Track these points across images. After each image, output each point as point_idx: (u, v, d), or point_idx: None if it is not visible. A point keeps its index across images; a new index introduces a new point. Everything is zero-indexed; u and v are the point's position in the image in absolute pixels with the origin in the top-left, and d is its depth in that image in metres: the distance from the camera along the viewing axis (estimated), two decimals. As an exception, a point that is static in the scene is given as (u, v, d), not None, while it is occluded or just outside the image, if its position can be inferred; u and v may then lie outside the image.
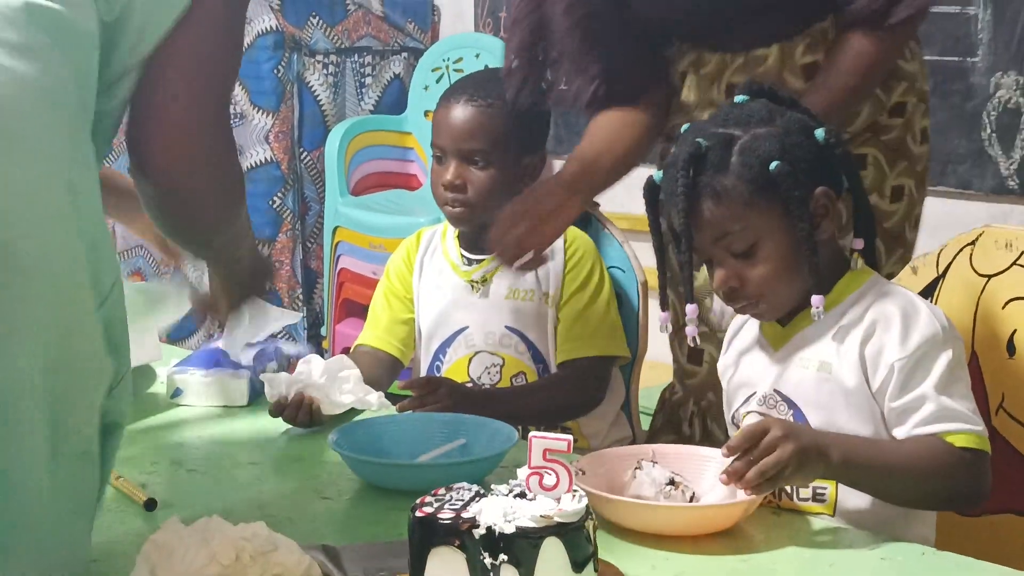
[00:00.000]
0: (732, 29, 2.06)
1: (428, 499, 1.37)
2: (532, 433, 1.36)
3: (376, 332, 2.40)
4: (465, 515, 1.32)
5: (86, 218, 1.39)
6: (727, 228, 1.71)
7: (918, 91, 2.14)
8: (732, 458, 1.58)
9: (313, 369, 2.02)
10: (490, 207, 2.26)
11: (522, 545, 1.29)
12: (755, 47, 2.04)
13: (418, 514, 1.34)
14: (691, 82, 2.17)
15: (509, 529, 1.29)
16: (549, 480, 1.34)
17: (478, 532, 1.30)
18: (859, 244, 1.80)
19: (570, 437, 1.36)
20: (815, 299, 1.70)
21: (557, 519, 1.31)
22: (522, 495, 1.34)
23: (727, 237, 1.71)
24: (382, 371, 2.32)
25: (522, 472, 1.35)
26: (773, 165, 1.68)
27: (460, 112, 2.29)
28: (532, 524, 1.30)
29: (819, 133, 1.73)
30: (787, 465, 1.55)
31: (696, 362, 2.14)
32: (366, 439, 1.85)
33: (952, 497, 1.67)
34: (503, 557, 1.29)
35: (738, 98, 1.79)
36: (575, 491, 1.35)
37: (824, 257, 1.73)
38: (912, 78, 2.13)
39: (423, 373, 2.38)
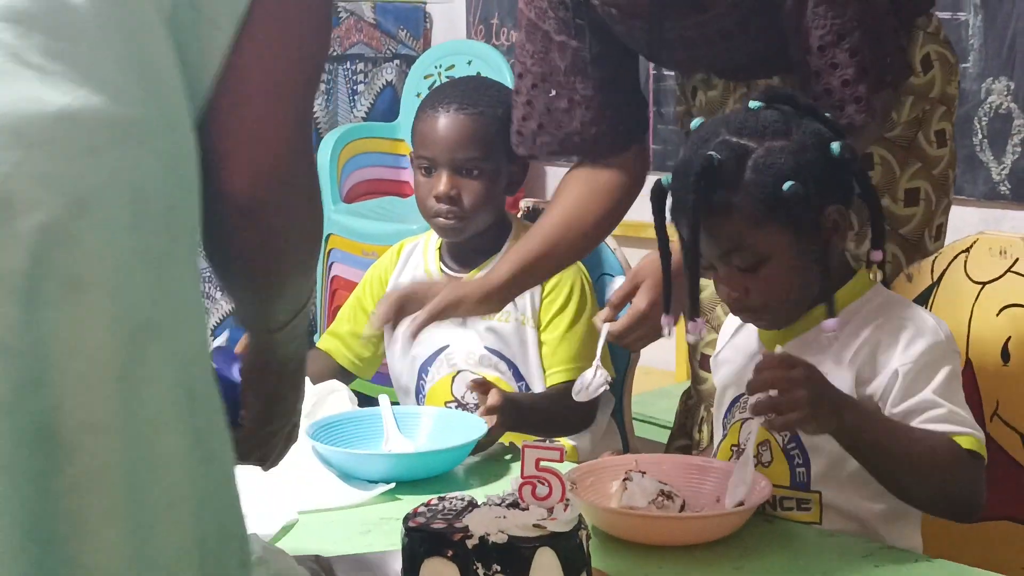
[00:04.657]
0: (742, 68, 2.02)
1: (421, 509, 1.37)
2: (525, 443, 1.36)
3: (334, 341, 2.39)
4: (458, 525, 1.32)
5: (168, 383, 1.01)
6: (736, 244, 1.67)
7: (932, 99, 2.04)
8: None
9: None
10: (481, 218, 2.26)
11: (515, 555, 1.29)
12: (757, 78, 2.00)
13: (411, 524, 1.34)
14: (701, 100, 2.12)
15: (502, 539, 1.29)
16: (542, 490, 1.34)
17: (471, 542, 1.29)
18: (877, 256, 1.74)
19: (563, 446, 1.36)
20: (828, 323, 1.66)
21: (550, 528, 1.30)
22: (515, 505, 1.34)
23: (734, 253, 1.68)
24: (331, 378, 2.26)
25: (515, 482, 1.35)
26: (787, 186, 1.62)
27: (451, 121, 2.28)
28: (525, 534, 1.29)
29: (835, 147, 1.67)
30: (797, 408, 1.55)
31: (707, 368, 2.12)
32: (342, 432, 1.93)
33: (951, 498, 1.64)
34: (496, 567, 1.29)
35: (753, 104, 1.70)
36: (567, 501, 1.34)
37: (831, 269, 1.71)
38: (920, 91, 2.03)
39: (411, 388, 2.36)
